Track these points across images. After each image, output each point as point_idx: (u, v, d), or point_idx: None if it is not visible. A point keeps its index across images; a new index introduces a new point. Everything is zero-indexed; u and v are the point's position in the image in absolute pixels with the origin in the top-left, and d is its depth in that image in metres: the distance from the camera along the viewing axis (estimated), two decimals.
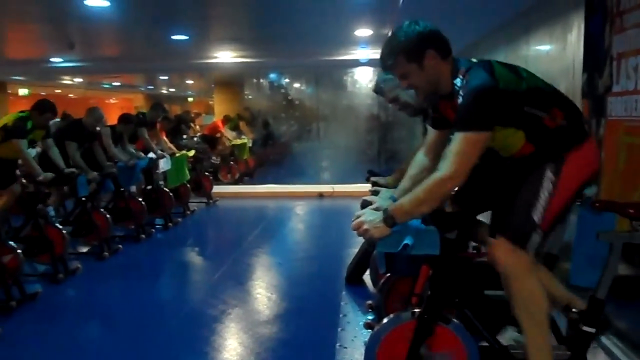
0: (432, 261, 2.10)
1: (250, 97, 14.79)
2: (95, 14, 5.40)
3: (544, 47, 4.60)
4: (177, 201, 7.74)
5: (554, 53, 4.34)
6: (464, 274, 2.17)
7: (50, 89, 18.75)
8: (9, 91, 14.99)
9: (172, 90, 20.98)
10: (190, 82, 17.95)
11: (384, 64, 2.18)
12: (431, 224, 2.05)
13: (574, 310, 2.20)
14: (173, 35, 6.87)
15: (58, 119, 7.60)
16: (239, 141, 11.45)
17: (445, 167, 1.95)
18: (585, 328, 2.10)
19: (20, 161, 5.42)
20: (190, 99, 24.91)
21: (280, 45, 8.25)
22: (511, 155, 2.18)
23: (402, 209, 1.99)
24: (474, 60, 2.14)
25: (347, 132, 11.97)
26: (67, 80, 15.77)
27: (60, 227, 5.13)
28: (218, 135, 11.30)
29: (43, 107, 5.17)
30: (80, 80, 15.80)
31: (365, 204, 2.37)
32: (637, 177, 2.92)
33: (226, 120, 11.71)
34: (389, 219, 1.99)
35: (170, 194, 7.33)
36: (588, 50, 3.58)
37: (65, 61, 9.46)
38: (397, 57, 2.11)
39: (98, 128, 6.24)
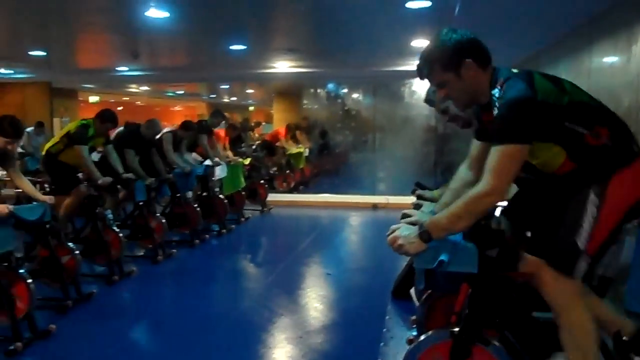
0: (472, 279, 2.02)
1: (308, 106, 14.89)
2: (156, 25, 5.59)
3: (608, 60, 4.41)
4: (232, 208, 7.87)
5: (617, 65, 4.16)
6: (506, 294, 2.07)
7: (118, 97, 19.54)
8: (80, 99, 15.70)
9: (234, 99, 21.41)
10: (250, 91, 18.27)
11: (420, 73, 2.14)
12: (470, 240, 1.98)
13: (624, 338, 2.06)
14: (232, 45, 7.01)
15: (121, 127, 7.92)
16: (295, 150, 11.53)
17: (483, 183, 1.88)
18: (637, 358, 1.97)
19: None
20: (251, 108, 25.34)
21: (337, 56, 8.29)
22: (553, 172, 2.07)
23: (439, 225, 1.93)
24: (515, 70, 2.05)
25: (403, 143, 11.84)
26: (133, 89, 16.38)
27: (118, 230, 5.31)
28: (278, 143, 11.44)
29: (104, 117, 5.44)
30: (146, 88, 16.39)
31: (404, 216, 2.32)
32: None
33: (289, 129, 11.84)
34: (424, 234, 1.93)
35: (225, 200, 7.46)
36: None
37: (130, 70, 9.85)
38: (433, 65, 2.07)
39: (158, 136, 6.47)
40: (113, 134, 6.17)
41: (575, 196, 1.98)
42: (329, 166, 13.35)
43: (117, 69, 9.75)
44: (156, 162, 6.35)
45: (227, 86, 16.37)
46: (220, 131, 8.06)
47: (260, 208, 9.04)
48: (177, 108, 25.64)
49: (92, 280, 4.97)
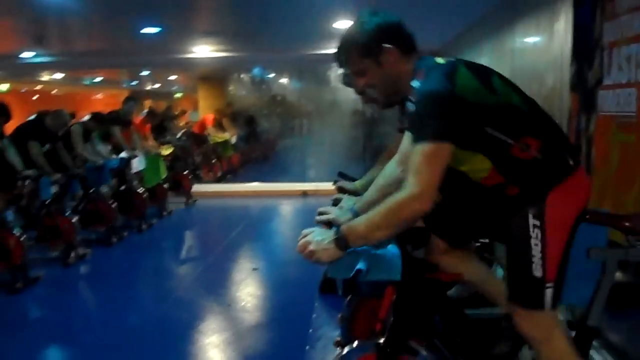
0: (397, 283, 1.80)
1: (235, 92, 14.47)
2: (55, 5, 5.09)
3: (530, 39, 4.32)
4: (153, 202, 7.46)
5: (540, 44, 4.07)
6: (436, 298, 1.87)
7: (32, 85, 18.31)
8: None
9: (157, 86, 20.58)
10: (174, 77, 17.58)
11: (338, 60, 1.89)
12: (394, 242, 1.75)
13: None
14: (143, 28, 6.54)
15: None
16: (220, 138, 11.14)
17: (408, 188, 1.63)
18: None
19: None
20: (178, 95, 24.55)
21: (259, 39, 7.96)
22: (480, 182, 1.85)
23: (356, 232, 1.67)
24: (440, 60, 1.82)
25: (331, 127, 11.70)
26: (45, 77, 15.34)
27: (19, 233, 4.81)
28: (206, 131, 11.04)
29: None
30: (59, 76, 15.36)
31: (322, 216, 2.07)
32: (632, 178, 2.65)
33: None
34: (340, 240, 1.67)
35: (145, 194, 7.02)
36: (577, 40, 3.31)
37: (37, 56, 9.11)
38: (351, 51, 1.83)
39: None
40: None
41: (516, 223, 1.78)
42: (257, 154, 13.02)
43: (21, 55, 8.98)
44: (63, 156, 5.85)
45: (148, 73, 15.63)
46: (137, 119, 7.57)
47: (184, 200, 8.63)
48: (98, 96, 24.47)
49: None
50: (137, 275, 5.37)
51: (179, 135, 11.11)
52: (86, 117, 6.57)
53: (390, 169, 2.12)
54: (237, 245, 6.28)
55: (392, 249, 1.75)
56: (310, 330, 3.50)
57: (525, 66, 4.28)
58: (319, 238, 1.72)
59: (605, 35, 2.90)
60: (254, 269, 5.19)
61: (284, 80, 13.99)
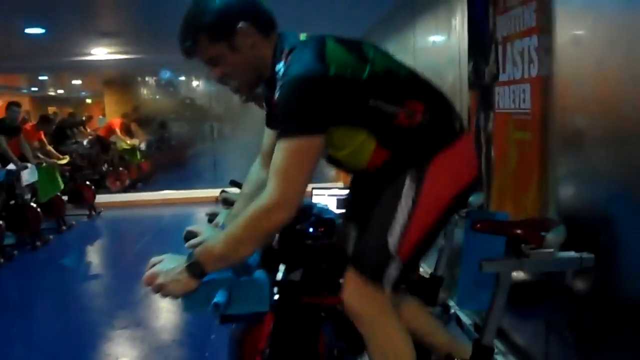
0: (275, 311, 1.58)
1: (143, 96, 13.85)
2: None
3: (430, 36, 4.24)
4: (50, 216, 6.92)
5: (440, 41, 3.99)
6: (316, 324, 1.66)
7: None
8: None
9: (61, 91, 19.39)
10: (78, 82, 16.59)
11: (183, 48, 1.61)
12: (259, 265, 1.53)
13: None
14: (28, 28, 5.99)
15: None
16: (127, 144, 10.58)
17: (268, 193, 1.40)
18: None
19: None
20: (88, 100, 23.37)
21: (163, 40, 7.47)
22: (363, 169, 1.66)
23: (214, 254, 1.42)
24: (303, 36, 1.61)
25: (243, 129, 11.38)
26: None
27: None
28: (112, 137, 10.46)
29: None
30: None
31: (189, 237, 1.81)
32: (530, 177, 2.57)
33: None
34: (194, 267, 1.42)
35: (38, 208, 6.47)
36: (472, 36, 3.22)
37: None
38: (198, 36, 1.56)
39: None
40: None
41: (392, 183, 1.58)
42: (169, 160, 12.50)
43: None
44: None
45: (46, 77, 14.66)
46: (28, 126, 6.99)
47: (87, 212, 8.06)
48: None
49: None
50: (26, 301, 4.88)
51: (85, 142, 10.53)
52: None
53: (254, 174, 1.89)
54: (142, 260, 5.75)
55: (260, 275, 1.52)
56: (207, 354, 3.24)
57: (427, 64, 4.19)
58: (169, 267, 1.45)
59: (498, 29, 2.81)
60: None
61: (194, 83, 13.50)
